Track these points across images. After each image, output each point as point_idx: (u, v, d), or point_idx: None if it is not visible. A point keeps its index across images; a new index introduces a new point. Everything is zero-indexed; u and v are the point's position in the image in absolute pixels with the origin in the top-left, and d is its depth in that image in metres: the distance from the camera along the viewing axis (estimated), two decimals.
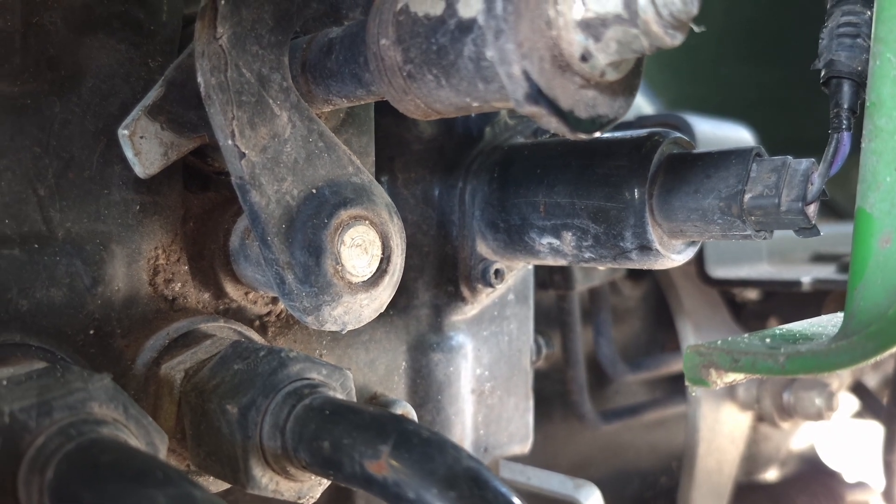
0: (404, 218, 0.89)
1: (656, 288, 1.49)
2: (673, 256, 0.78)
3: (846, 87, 0.67)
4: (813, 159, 0.71)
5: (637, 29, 0.48)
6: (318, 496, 0.62)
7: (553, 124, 0.52)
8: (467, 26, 0.53)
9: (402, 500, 0.50)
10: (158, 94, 0.66)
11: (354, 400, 0.65)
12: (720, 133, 1.34)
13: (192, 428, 0.64)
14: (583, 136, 0.54)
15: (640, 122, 1.35)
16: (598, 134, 0.55)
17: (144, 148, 0.65)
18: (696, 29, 0.49)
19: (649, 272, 1.46)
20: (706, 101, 2.42)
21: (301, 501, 0.61)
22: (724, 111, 1.77)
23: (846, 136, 0.67)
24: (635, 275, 1.49)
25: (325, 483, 0.62)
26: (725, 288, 1.39)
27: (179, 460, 0.69)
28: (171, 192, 0.72)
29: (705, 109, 1.82)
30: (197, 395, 0.63)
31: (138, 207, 0.69)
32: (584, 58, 0.51)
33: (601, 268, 1.16)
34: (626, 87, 0.56)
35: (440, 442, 0.52)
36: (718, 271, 1.28)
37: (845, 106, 0.67)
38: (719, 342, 0.59)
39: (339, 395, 0.62)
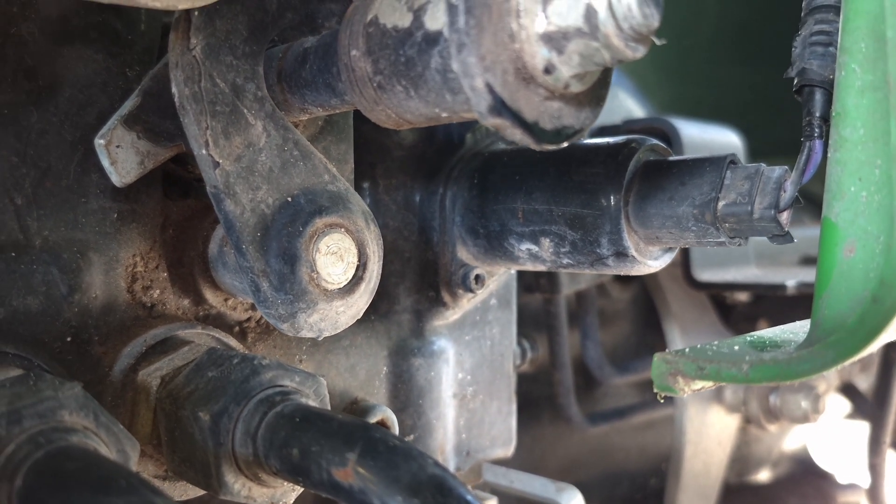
0: (385, 224, 0.90)
1: (645, 291, 1.50)
2: (649, 262, 0.79)
3: (818, 96, 0.67)
4: (786, 167, 0.72)
5: (598, 42, 0.49)
6: (290, 502, 0.63)
7: (518, 136, 0.53)
8: (433, 38, 0.54)
9: None
10: (134, 104, 0.67)
11: (328, 407, 0.65)
12: (707, 137, 1.34)
13: (166, 434, 0.64)
14: (549, 148, 0.55)
15: (628, 125, 1.36)
16: (564, 145, 0.56)
17: (121, 157, 0.66)
18: (658, 42, 0.50)
19: (637, 276, 1.47)
20: (701, 102, 2.43)
21: None
22: (718, 113, 1.77)
23: (818, 144, 0.67)
24: (624, 278, 1.50)
25: (298, 489, 0.63)
26: (711, 291, 1.39)
27: (157, 466, 0.69)
28: (149, 200, 0.72)
29: (700, 111, 1.83)
30: (171, 402, 0.64)
31: (116, 216, 0.70)
32: (548, 70, 0.51)
33: (580, 273, 1.16)
34: (592, 98, 0.56)
35: (406, 450, 0.53)
36: (705, 274, 1.29)
37: (817, 114, 0.67)
38: (687, 350, 0.60)
39: (313, 402, 0.63)
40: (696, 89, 2.46)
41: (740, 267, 1.38)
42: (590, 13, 0.48)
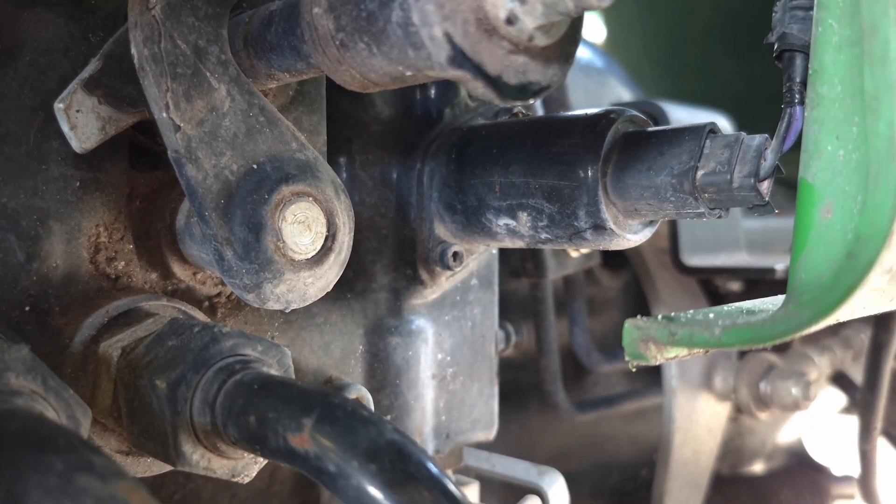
0: (362, 200, 0.88)
1: (635, 278, 1.48)
2: (628, 236, 0.77)
3: (798, 61, 0.65)
4: (766, 135, 0.70)
5: None
6: (253, 475, 0.61)
7: (480, 89, 0.51)
8: None
9: (323, 473, 0.49)
10: (96, 68, 0.65)
11: (292, 377, 0.63)
12: (696, 120, 1.32)
13: (126, 406, 0.63)
14: (516, 103, 0.53)
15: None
16: (530, 101, 0.54)
17: (81, 122, 0.64)
18: None
19: (627, 262, 1.45)
20: (696, 95, 2.41)
21: (235, 479, 0.60)
22: (712, 105, 1.75)
23: (799, 111, 0.65)
24: (614, 265, 1.48)
25: (261, 462, 0.61)
26: (700, 276, 1.37)
27: (120, 441, 0.68)
28: (114, 170, 0.71)
29: (694, 103, 1.81)
30: (130, 372, 0.62)
31: (78, 184, 0.68)
32: (510, 20, 0.49)
33: (558, 248, 1.14)
34: (560, 55, 0.54)
35: (365, 416, 0.51)
36: (694, 259, 1.27)
37: (797, 80, 0.65)
38: (660, 316, 0.58)
39: (275, 372, 0.61)
40: (690, 81, 2.45)
41: (730, 252, 1.36)
42: None
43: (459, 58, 0.49)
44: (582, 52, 1.65)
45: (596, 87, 1.58)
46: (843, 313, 0.50)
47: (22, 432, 0.44)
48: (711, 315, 0.59)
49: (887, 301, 0.59)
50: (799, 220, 0.56)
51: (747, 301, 0.67)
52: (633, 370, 0.73)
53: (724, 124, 1.40)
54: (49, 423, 0.46)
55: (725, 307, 0.64)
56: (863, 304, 0.53)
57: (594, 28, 2.59)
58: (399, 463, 0.48)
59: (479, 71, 0.50)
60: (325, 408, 0.51)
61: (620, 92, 1.65)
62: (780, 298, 0.67)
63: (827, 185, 0.55)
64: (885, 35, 0.46)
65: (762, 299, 0.68)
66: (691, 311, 0.61)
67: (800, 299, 0.51)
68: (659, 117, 1.27)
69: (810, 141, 0.56)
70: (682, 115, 1.30)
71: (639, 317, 0.58)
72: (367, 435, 0.49)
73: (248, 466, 0.60)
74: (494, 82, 0.51)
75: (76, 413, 0.52)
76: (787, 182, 0.68)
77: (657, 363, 0.58)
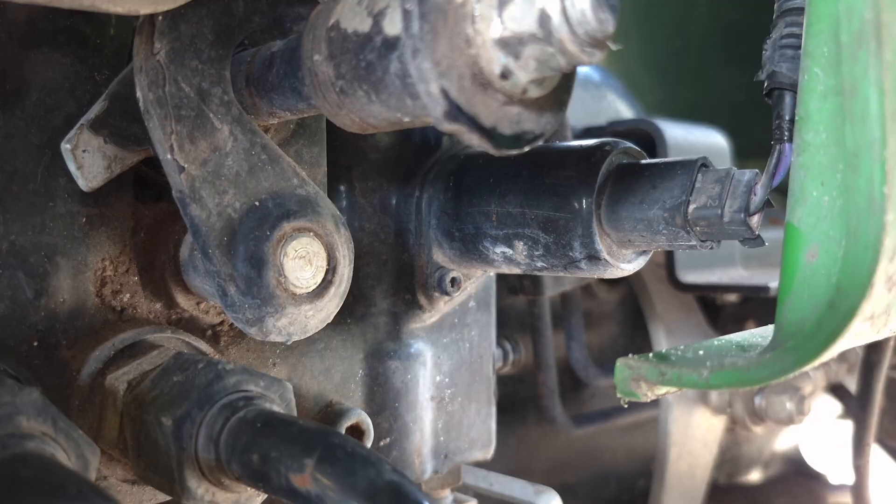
0: (362, 227, 0.89)
1: (632, 292, 1.50)
2: (622, 266, 0.79)
3: (787, 99, 0.67)
4: (756, 170, 0.71)
5: (553, 48, 0.49)
6: None
7: (475, 141, 0.52)
8: (392, 43, 0.53)
9: None
10: (101, 108, 0.67)
11: (294, 411, 0.65)
12: (692, 138, 1.34)
13: (132, 439, 0.64)
14: (510, 153, 0.55)
15: (612, 126, 1.36)
16: (525, 149, 0.56)
17: (87, 161, 0.66)
18: (613, 47, 0.50)
19: (624, 277, 1.46)
20: (693, 103, 2.42)
21: None
22: (710, 114, 1.77)
23: (788, 148, 0.67)
24: (611, 280, 1.50)
25: (263, 495, 0.62)
26: (696, 293, 1.39)
27: (126, 470, 0.69)
28: (119, 204, 0.72)
29: (692, 112, 1.83)
30: (137, 407, 0.64)
31: (84, 220, 0.70)
32: (505, 76, 0.51)
33: (555, 276, 1.16)
34: (553, 103, 0.56)
35: (364, 456, 0.53)
36: (689, 276, 1.29)
37: (787, 117, 0.67)
38: (651, 355, 0.60)
39: (278, 407, 0.63)
40: (688, 90, 2.46)
41: (726, 268, 1.38)
42: (543, 19, 0.48)
43: (455, 112, 0.51)
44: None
45: (593, 101, 1.60)
46: (826, 358, 0.52)
47: (35, 478, 0.46)
48: (701, 352, 0.61)
49: (874, 333, 0.60)
50: (785, 262, 0.58)
51: (738, 334, 0.68)
52: (625, 406, 0.74)
53: (720, 140, 1.41)
54: (61, 469, 0.47)
55: (716, 341, 0.66)
56: (847, 345, 0.55)
57: None
58: (397, 503, 0.50)
59: (474, 124, 0.51)
60: (325, 448, 0.53)
61: (618, 106, 1.66)
62: (770, 330, 0.69)
63: (812, 230, 0.56)
64: (864, 95, 0.48)
65: (751, 332, 0.69)
66: (682, 347, 0.63)
67: (784, 344, 0.53)
68: (655, 136, 1.28)
69: (796, 186, 0.57)
70: (677, 132, 1.32)
71: (630, 356, 0.60)
72: (367, 476, 0.51)
73: (251, 499, 0.62)
74: (489, 134, 0.52)
75: (85, 452, 0.53)
76: (784, 189, 0.70)
77: (648, 400, 0.59)
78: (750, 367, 0.53)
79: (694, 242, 0.73)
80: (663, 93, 2.47)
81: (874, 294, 0.49)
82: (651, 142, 1.28)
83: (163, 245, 0.76)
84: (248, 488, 0.61)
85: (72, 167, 0.66)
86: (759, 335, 0.68)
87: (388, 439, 0.91)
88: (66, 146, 0.66)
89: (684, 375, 0.56)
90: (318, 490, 0.51)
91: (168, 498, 0.70)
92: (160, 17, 0.61)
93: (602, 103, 1.63)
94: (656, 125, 1.27)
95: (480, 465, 1.05)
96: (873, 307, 0.50)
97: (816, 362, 0.52)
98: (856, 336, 0.53)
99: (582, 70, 1.66)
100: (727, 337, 0.67)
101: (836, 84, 0.55)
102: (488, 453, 1.01)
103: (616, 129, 1.32)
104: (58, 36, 0.68)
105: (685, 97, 2.41)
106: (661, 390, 0.59)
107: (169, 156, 0.63)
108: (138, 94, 0.62)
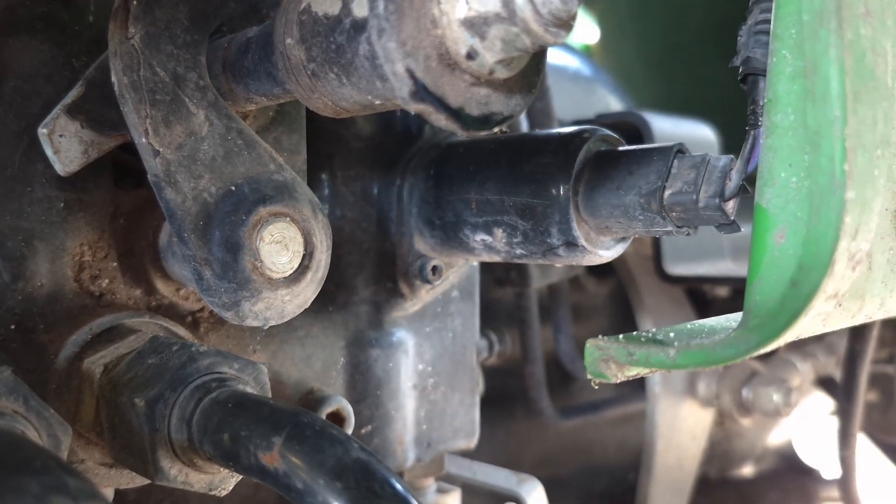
0: (343, 215, 0.90)
1: (621, 285, 1.50)
2: (601, 252, 0.79)
3: (762, 84, 0.67)
4: (732, 156, 0.72)
5: (517, 27, 0.49)
6: (230, 488, 0.63)
7: (443, 121, 0.53)
8: (361, 25, 0.54)
9: (291, 490, 0.51)
10: (78, 93, 0.67)
11: (269, 394, 0.65)
12: (680, 131, 1.34)
13: (107, 421, 0.65)
14: (479, 134, 0.55)
15: (599, 119, 1.36)
16: (494, 131, 0.56)
17: (64, 146, 0.67)
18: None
19: (613, 269, 1.47)
20: (688, 98, 2.43)
21: (213, 493, 0.62)
22: (705, 109, 1.77)
23: (762, 133, 0.67)
24: (600, 272, 1.50)
25: (237, 476, 0.63)
26: (683, 285, 1.39)
27: (104, 453, 0.70)
28: (97, 190, 0.73)
29: (687, 107, 1.83)
30: (111, 389, 0.64)
31: (62, 205, 0.70)
32: (471, 56, 0.51)
33: (533, 263, 1.16)
34: (523, 85, 0.56)
35: (332, 434, 0.53)
36: (677, 268, 1.29)
37: (761, 103, 0.67)
38: (621, 336, 0.60)
39: (252, 390, 0.63)
40: (683, 86, 2.46)
41: (714, 261, 1.38)
42: None
43: (422, 92, 0.51)
44: (570, 61, 1.67)
45: (584, 95, 1.60)
46: (790, 336, 0.52)
47: (1, 454, 0.46)
48: (672, 334, 0.61)
49: (848, 318, 0.61)
50: (754, 244, 0.58)
51: (711, 318, 0.69)
52: (595, 387, 0.75)
53: (709, 133, 1.41)
54: (28, 445, 0.48)
55: (688, 325, 0.66)
56: (813, 325, 0.55)
57: (587, 29, 2.60)
58: (364, 481, 0.50)
59: (441, 104, 0.52)
60: (294, 426, 0.53)
61: (608, 100, 1.67)
62: (739, 316, 0.70)
63: (780, 211, 0.56)
64: (825, 73, 0.48)
65: (725, 316, 0.69)
66: (653, 331, 0.63)
67: (749, 324, 0.53)
68: (642, 128, 1.28)
69: (765, 168, 0.58)
70: (665, 125, 1.32)
71: (600, 337, 0.60)
72: (334, 453, 0.51)
73: (224, 480, 0.62)
74: (457, 114, 0.53)
75: (57, 431, 0.54)
76: None
77: (618, 381, 0.60)
78: (715, 346, 0.53)
79: (670, 228, 0.73)
80: (657, 87, 2.48)
81: (836, 272, 0.49)
82: (638, 134, 1.28)
83: (142, 231, 0.76)
84: (221, 470, 0.62)
85: (49, 152, 0.66)
86: (733, 319, 0.68)
87: (369, 427, 0.91)
88: (42, 131, 0.66)
89: (652, 355, 0.56)
90: (287, 468, 0.52)
91: (146, 481, 0.70)
92: (135, 2, 0.62)
93: (592, 97, 1.63)
94: (643, 117, 1.27)
95: (466, 454, 1.05)
96: (836, 286, 0.50)
97: (781, 341, 0.52)
98: (822, 316, 0.54)
99: (573, 64, 1.67)
100: (701, 321, 0.67)
101: (805, 66, 0.56)
102: (472, 442, 1.01)
103: (603, 121, 1.32)
104: (36, 22, 0.69)
105: (679, 91, 2.41)
106: (631, 371, 0.59)
107: (144, 140, 0.63)
108: (113, 78, 0.63)
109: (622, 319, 1.56)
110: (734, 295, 1.61)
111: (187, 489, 0.61)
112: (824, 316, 0.53)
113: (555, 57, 1.59)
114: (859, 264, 0.51)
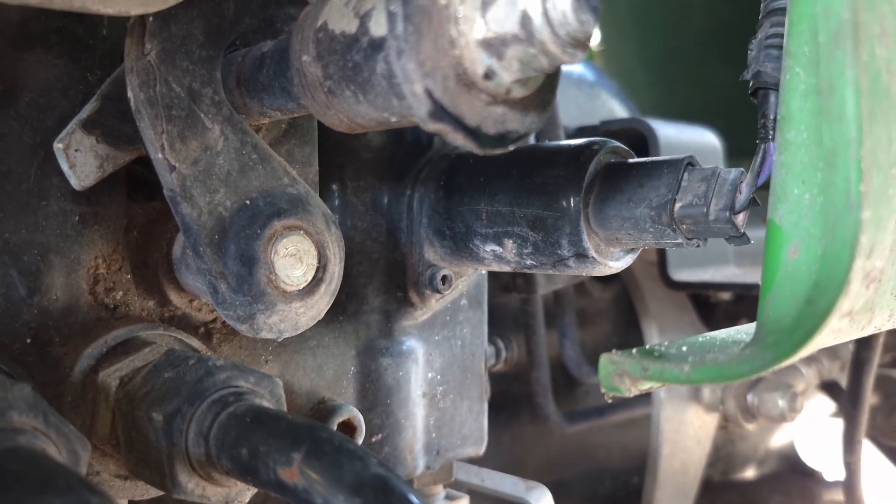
0: (354, 225, 0.90)
1: (626, 290, 1.51)
2: (610, 264, 0.80)
3: (772, 98, 0.68)
4: (742, 169, 0.72)
5: (535, 48, 0.50)
6: (246, 500, 0.64)
7: (460, 140, 0.53)
8: (378, 44, 0.54)
9: None
10: (94, 108, 0.68)
11: (284, 407, 0.66)
12: (685, 137, 1.35)
13: (123, 434, 0.65)
14: (495, 152, 0.56)
15: (605, 126, 1.37)
16: (509, 148, 0.56)
17: (79, 160, 0.67)
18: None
19: (617, 274, 1.47)
20: (690, 101, 2.43)
21: None
22: (707, 113, 1.77)
23: (772, 147, 0.68)
24: (605, 278, 1.51)
25: (253, 489, 0.63)
26: (688, 291, 1.40)
27: (119, 466, 0.70)
28: (112, 203, 0.73)
29: (689, 111, 1.83)
30: (128, 403, 0.65)
31: (77, 218, 0.71)
32: (488, 76, 0.52)
33: (547, 274, 1.17)
34: (538, 103, 0.57)
35: (351, 450, 0.53)
36: (681, 274, 1.29)
37: (771, 117, 0.68)
38: (634, 350, 0.60)
39: (268, 403, 0.64)
40: (684, 89, 2.47)
41: (719, 267, 1.39)
42: (525, 20, 0.49)
43: (440, 111, 0.52)
44: (573, 66, 1.68)
45: (587, 100, 1.61)
46: (804, 353, 0.53)
47: (24, 472, 0.47)
48: (685, 348, 0.62)
49: (858, 330, 0.61)
50: (767, 259, 0.59)
51: (722, 331, 0.69)
52: (610, 401, 0.75)
53: (713, 140, 1.42)
54: (50, 463, 0.48)
55: (700, 338, 0.66)
56: (826, 341, 0.56)
57: None
58: (383, 497, 0.51)
59: (458, 123, 0.52)
60: (313, 442, 0.54)
61: (612, 105, 1.67)
62: (753, 327, 0.70)
63: (793, 227, 0.57)
64: (841, 94, 0.48)
65: (736, 328, 0.70)
66: (666, 343, 0.63)
67: (764, 340, 0.54)
68: (648, 135, 1.29)
69: (778, 184, 0.58)
70: (670, 131, 1.33)
71: (613, 351, 0.60)
72: (353, 469, 0.52)
73: (241, 493, 0.63)
74: (474, 133, 0.53)
75: (76, 447, 0.54)
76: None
77: (631, 395, 0.60)
78: (731, 363, 0.54)
79: (680, 240, 0.74)
80: (659, 90, 2.48)
81: (851, 291, 0.50)
82: (643, 141, 1.29)
83: (156, 243, 0.76)
84: (238, 483, 0.62)
85: (64, 166, 0.67)
86: (744, 332, 0.68)
87: (379, 435, 0.92)
88: (58, 145, 0.66)
89: (666, 370, 0.56)
90: (306, 483, 0.52)
91: (160, 493, 0.71)
92: (151, 18, 0.62)
93: (596, 102, 1.64)
94: (648, 124, 1.28)
95: (473, 461, 1.06)
96: (851, 304, 0.51)
97: (795, 358, 0.52)
98: (835, 332, 0.54)
99: (576, 69, 1.67)
100: (712, 333, 0.68)
101: (817, 83, 0.56)
102: (480, 450, 1.01)
103: (608, 128, 1.33)
104: (50, 36, 0.69)
105: (681, 95, 2.42)
106: (645, 385, 0.60)
107: (160, 155, 0.64)
108: (129, 94, 0.63)
109: (626, 324, 1.57)
110: (737, 299, 1.61)
111: (204, 502, 0.62)
112: (837, 332, 0.53)
113: None
114: (874, 282, 0.51)
